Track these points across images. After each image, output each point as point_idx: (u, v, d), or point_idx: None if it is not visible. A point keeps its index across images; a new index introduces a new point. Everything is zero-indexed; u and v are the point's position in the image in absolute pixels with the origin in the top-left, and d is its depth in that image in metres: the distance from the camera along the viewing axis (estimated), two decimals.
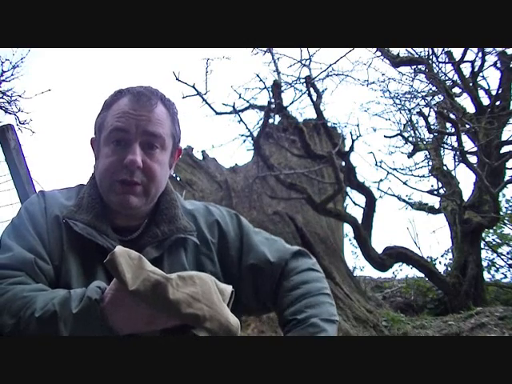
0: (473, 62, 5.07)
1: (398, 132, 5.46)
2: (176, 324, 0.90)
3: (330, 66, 5.04)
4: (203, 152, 5.83)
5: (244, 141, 5.31)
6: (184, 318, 0.88)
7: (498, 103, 5.13)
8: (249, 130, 5.02)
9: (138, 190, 1.08)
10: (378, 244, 6.17)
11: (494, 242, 6.04)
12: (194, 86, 4.68)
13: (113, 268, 0.86)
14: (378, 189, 5.24)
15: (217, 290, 0.93)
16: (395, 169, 5.35)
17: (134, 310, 0.89)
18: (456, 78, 5.20)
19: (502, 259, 5.88)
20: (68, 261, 1.04)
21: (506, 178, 4.95)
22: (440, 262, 6.03)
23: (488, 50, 4.93)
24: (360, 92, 9.99)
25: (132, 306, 0.88)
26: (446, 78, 5.13)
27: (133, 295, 0.86)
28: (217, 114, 5.02)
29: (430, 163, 5.62)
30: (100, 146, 1.12)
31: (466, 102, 6.63)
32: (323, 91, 5.27)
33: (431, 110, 5.11)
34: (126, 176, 1.06)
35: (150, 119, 1.09)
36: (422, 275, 5.28)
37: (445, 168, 5.41)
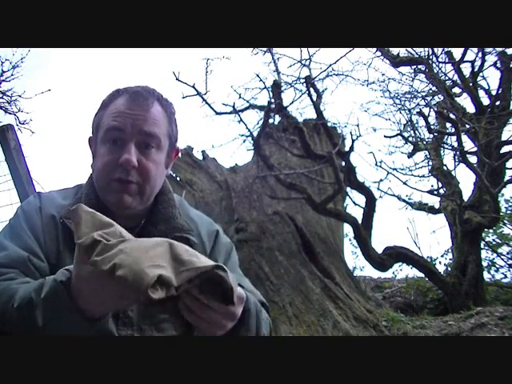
0: (473, 62, 5.06)
1: (398, 132, 5.45)
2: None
3: (330, 65, 5.04)
4: (203, 152, 5.83)
5: (244, 141, 5.29)
6: (108, 273, 0.79)
7: (498, 103, 5.12)
8: (249, 130, 5.01)
9: (132, 189, 1.09)
10: (378, 244, 6.16)
11: (493, 242, 6.03)
12: (194, 86, 4.67)
13: (74, 221, 0.84)
14: (378, 189, 5.23)
15: (165, 251, 0.83)
16: (395, 169, 5.33)
17: (98, 283, 0.82)
18: (456, 78, 5.19)
19: (502, 259, 5.87)
20: (64, 259, 1.05)
21: (506, 177, 4.94)
22: (440, 262, 6.03)
23: (488, 49, 4.93)
24: (360, 92, 9.98)
25: (95, 279, 0.82)
26: (446, 78, 5.13)
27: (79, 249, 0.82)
28: (217, 114, 5.01)
29: (430, 163, 5.61)
30: (97, 145, 1.14)
31: (466, 101, 6.65)
32: (323, 91, 5.26)
33: (431, 109, 5.10)
34: (122, 175, 1.07)
35: (146, 119, 1.09)
36: (422, 275, 5.27)
37: (445, 168, 5.40)
